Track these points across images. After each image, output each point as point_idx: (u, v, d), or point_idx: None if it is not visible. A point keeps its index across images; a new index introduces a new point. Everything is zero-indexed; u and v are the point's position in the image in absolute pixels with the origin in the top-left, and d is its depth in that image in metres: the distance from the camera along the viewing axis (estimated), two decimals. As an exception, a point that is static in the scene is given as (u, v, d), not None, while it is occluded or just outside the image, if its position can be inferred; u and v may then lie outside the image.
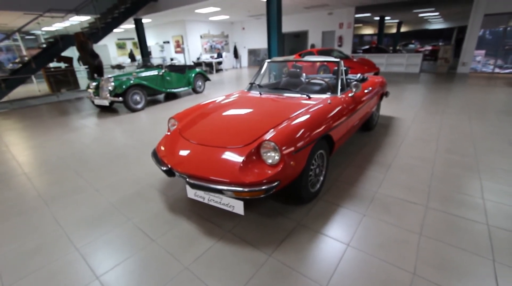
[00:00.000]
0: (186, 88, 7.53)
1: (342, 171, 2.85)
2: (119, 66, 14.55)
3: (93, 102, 6.24)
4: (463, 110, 5.02)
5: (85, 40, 7.21)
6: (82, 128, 5.05)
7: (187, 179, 1.90)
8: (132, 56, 16.70)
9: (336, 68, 2.97)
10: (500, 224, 1.94)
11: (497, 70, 9.82)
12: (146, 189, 2.66)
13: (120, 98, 5.76)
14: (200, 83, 8.03)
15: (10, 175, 3.19)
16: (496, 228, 1.91)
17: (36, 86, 10.67)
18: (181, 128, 2.43)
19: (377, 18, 15.70)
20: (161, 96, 7.90)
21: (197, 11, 10.91)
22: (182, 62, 14.67)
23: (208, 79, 8.29)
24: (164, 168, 2.08)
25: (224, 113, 2.54)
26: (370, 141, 3.69)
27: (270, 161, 1.85)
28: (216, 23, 15.54)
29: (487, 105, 5.30)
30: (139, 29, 11.66)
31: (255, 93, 3.09)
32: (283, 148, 1.82)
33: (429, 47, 17.12)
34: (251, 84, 3.35)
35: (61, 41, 8.21)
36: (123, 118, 5.65)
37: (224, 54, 15.33)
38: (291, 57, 3.39)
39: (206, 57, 14.91)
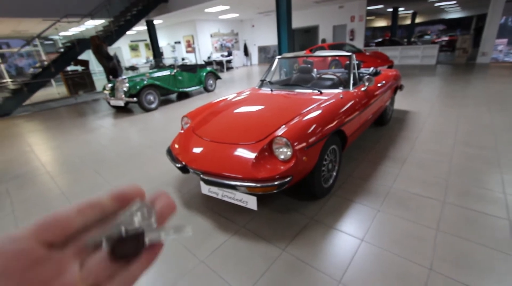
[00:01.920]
0: (197, 87, 7.63)
1: (355, 166, 2.82)
2: (133, 68, 14.91)
3: (109, 103, 6.44)
4: (483, 102, 4.82)
5: (100, 43, 7.43)
6: (99, 129, 5.24)
7: (201, 176, 1.95)
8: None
9: (348, 62, 2.93)
10: (523, 219, 1.87)
11: (521, 59, 9.33)
12: (161, 187, 2.74)
13: (135, 99, 5.92)
14: (211, 82, 8.11)
15: (35, 174, 3.36)
16: (519, 223, 1.85)
17: (56, 89, 11.12)
18: (194, 126, 2.48)
19: (390, 9, 15.25)
20: (173, 96, 8.05)
21: (206, 10, 10.99)
22: (193, 62, 14.86)
23: (219, 78, 8.36)
24: (179, 165, 2.13)
25: (236, 110, 2.57)
26: (384, 135, 3.62)
27: (282, 156, 1.86)
28: (226, 22, 15.59)
29: (509, 96, 5.06)
30: (151, 30, 11.88)
31: (266, 90, 3.10)
32: (295, 143, 1.83)
33: (446, 38, 16.48)
34: (262, 81, 3.36)
35: (77, 45, 8.51)
36: (137, 118, 5.80)
37: (234, 52, 15.37)
38: (302, 53, 3.37)
39: (216, 56, 15.00)
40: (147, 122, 5.39)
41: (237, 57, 15.77)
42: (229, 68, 14.86)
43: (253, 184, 1.75)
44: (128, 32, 13.58)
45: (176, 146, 2.40)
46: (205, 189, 2.07)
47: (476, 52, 10.23)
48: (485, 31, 9.51)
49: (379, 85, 3.23)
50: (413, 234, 1.82)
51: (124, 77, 6.29)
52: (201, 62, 14.67)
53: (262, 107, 2.53)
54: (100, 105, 7.89)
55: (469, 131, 3.52)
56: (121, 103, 6.07)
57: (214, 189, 2.02)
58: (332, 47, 9.11)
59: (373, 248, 1.73)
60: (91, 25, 10.77)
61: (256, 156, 1.88)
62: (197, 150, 2.16)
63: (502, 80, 6.59)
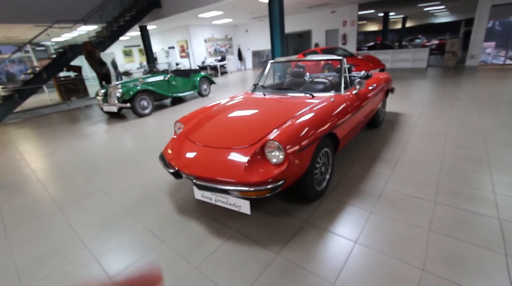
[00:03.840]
0: (192, 92, 7.63)
1: (348, 169, 2.84)
2: (126, 73, 14.85)
3: (102, 109, 6.39)
4: (472, 103, 4.92)
5: (93, 49, 7.40)
6: (92, 135, 5.18)
7: (194, 181, 1.94)
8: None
9: (338, 66, 2.97)
10: (512, 218, 1.91)
11: (508, 61, 9.57)
12: (155, 192, 2.72)
13: (128, 104, 5.88)
14: (205, 87, 8.12)
15: (26, 182, 3.30)
16: (508, 222, 1.88)
17: (48, 96, 10.99)
18: (187, 131, 2.47)
19: (381, 14, 15.54)
20: (168, 101, 8.03)
21: (200, 15, 11.04)
22: (187, 67, 14.87)
23: (213, 82, 8.37)
24: (172, 171, 2.12)
25: (229, 115, 2.57)
26: (377, 138, 3.66)
27: (274, 160, 1.87)
28: (220, 27, 15.68)
29: (497, 97, 5.18)
30: (145, 35, 11.88)
31: (259, 94, 3.12)
32: (287, 147, 1.83)
33: (436, 41, 16.83)
34: (255, 85, 3.38)
35: (69, 51, 8.45)
36: (131, 123, 5.76)
37: (228, 57, 15.44)
38: (294, 57, 3.40)
39: (210, 61, 15.05)
40: (140, 127, 5.36)
41: (231, 62, 15.85)
42: (223, 73, 14.91)
43: (246, 188, 1.75)
44: (121, 38, 13.57)
45: (169, 151, 2.39)
46: (198, 194, 2.06)
47: (465, 55, 10.46)
48: (473, 34, 9.75)
49: (370, 88, 3.28)
50: (405, 235, 1.83)
51: (117, 82, 6.26)
52: (195, 67, 14.70)
53: (255, 111, 2.54)
54: (93, 111, 7.83)
55: (459, 132, 3.58)
56: (114, 109, 6.03)
57: (207, 194, 2.01)
58: (325, 51, 9.23)
59: (367, 250, 1.73)
60: (84, 31, 10.73)
61: (248, 160, 1.88)
62: (189, 155, 2.15)
63: (490, 82, 6.74)
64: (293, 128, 2.00)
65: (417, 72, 9.53)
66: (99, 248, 1.98)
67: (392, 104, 5.35)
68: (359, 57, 8.99)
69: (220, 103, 3.07)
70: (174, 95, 7.13)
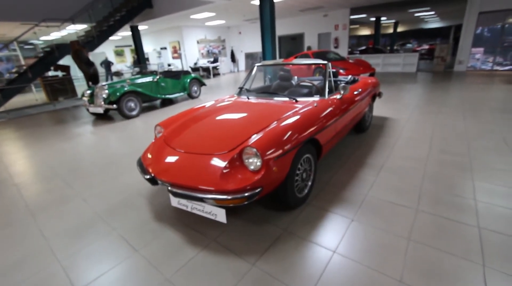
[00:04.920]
0: (181, 94, 7.53)
1: (332, 175, 2.81)
2: (117, 73, 14.63)
3: (88, 110, 6.25)
4: (458, 109, 4.97)
5: (80, 48, 7.25)
6: (76, 137, 5.05)
7: (169, 188, 1.87)
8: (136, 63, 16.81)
9: (323, 70, 2.94)
10: (491, 226, 1.89)
11: (496, 67, 9.77)
12: (133, 197, 2.63)
13: (114, 106, 5.76)
14: (195, 88, 8.04)
15: (0, 187, 3.17)
16: (487, 230, 1.86)
17: (35, 95, 10.73)
18: (166, 135, 2.40)
19: (373, 18, 15.71)
20: (157, 102, 7.91)
21: (192, 16, 10.97)
22: (179, 68, 14.76)
23: (204, 84, 8.29)
24: (147, 177, 2.05)
25: (210, 119, 2.51)
26: (363, 142, 3.65)
27: (252, 167, 1.81)
28: (213, 28, 15.62)
29: (482, 103, 5.25)
30: (136, 36, 11.74)
31: (243, 98, 3.07)
32: (265, 153, 1.78)
33: (426, 46, 17.11)
34: (240, 88, 3.33)
35: (57, 50, 8.27)
36: (118, 125, 5.64)
37: (220, 58, 15.38)
38: (280, 61, 3.36)
39: (203, 62, 14.96)
40: (127, 129, 5.24)
41: (224, 64, 15.79)
42: (215, 74, 14.83)
43: (221, 197, 1.69)
44: (113, 37, 13.38)
45: (149, 155, 2.31)
46: (175, 201, 1.99)
47: (454, 60, 10.64)
48: (461, 40, 9.93)
49: (356, 93, 3.26)
50: (384, 244, 1.80)
51: (103, 83, 6.13)
52: (187, 68, 14.59)
53: (237, 115, 2.49)
54: (80, 111, 7.65)
55: (444, 138, 3.60)
56: (100, 110, 5.90)
57: (184, 201, 1.94)
58: (317, 54, 9.25)
59: (345, 260, 1.69)
60: (73, 30, 10.54)
61: (225, 167, 1.82)
62: (166, 160, 2.08)
63: (477, 87, 6.85)
64: (272, 134, 1.95)
65: (407, 77, 9.64)
66: (69, 258, 1.89)
67: (380, 109, 5.37)
68: (350, 61, 9.04)
69: (204, 106, 3.01)
70: (163, 96, 7.03)
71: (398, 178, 2.66)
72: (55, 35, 11.63)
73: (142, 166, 2.23)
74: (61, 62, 9.34)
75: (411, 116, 4.70)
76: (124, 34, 14.72)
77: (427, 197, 2.30)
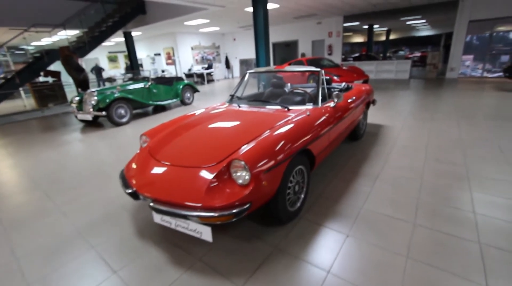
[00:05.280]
0: (174, 100, 7.41)
1: (326, 186, 2.70)
2: (110, 79, 14.46)
3: (76, 117, 6.07)
4: (452, 115, 4.95)
5: (70, 54, 7.11)
6: (63, 145, 4.86)
7: (151, 204, 1.73)
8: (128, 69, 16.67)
9: (317, 77, 2.87)
10: (492, 242, 1.80)
11: (486, 74, 9.93)
12: (116, 211, 2.48)
13: (104, 112, 5.60)
14: (188, 95, 7.93)
15: (-25, 199, 2.98)
16: (488, 246, 1.77)
17: (24, 101, 10.47)
18: (152, 146, 2.27)
19: (366, 26, 15.93)
20: (149, 109, 7.76)
21: (186, 23, 10.93)
22: (173, 74, 14.65)
23: (197, 91, 8.19)
24: (129, 191, 1.91)
25: (198, 129, 2.39)
26: (357, 151, 3.56)
27: (240, 181, 1.70)
28: (207, 35, 15.62)
29: (475, 109, 5.25)
30: (129, 41, 11.64)
31: (234, 106, 2.97)
32: (254, 166, 1.67)
33: (418, 54, 17.38)
34: (232, 96, 3.23)
35: (46, 55, 8.10)
36: (107, 132, 5.47)
37: (215, 65, 15.34)
38: (272, 68, 3.29)
39: (197, 69, 14.90)
40: (116, 137, 5.08)
41: (219, 70, 15.75)
42: (210, 81, 14.76)
43: (206, 214, 1.57)
44: (106, 43, 13.24)
45: (133, 166, 2.18)
46: (158, 218, 1.85)
47: (446, 67, 10.78)
48: (452, 48, 10.07)
49: (349, 100, 3.19)
50: (381, 263, 1.68)
51: (93, 89, 5.98)
52: (181, 74, 14.50)
53: (227, 124, 2.38)
54: (70, 118, 7.45)
55: (439, 145, 3.54)
56: (89, 117, 5.73)
57: (167, 218, 1.80)
58: (311, 61, 9.25)
59: (339, 282, 1.57)
60: (65, 35, 10.39)
61: (212, 180, 1.70)
62: (150, 173, 1.95)
63: (469, 94, 6.88)
64: (262, 145, 1.84)
65: (400, 83, 9.70)
66: (39, 282, 1.73)
67: (375, 116, 5.32)
68: (344, 67, 9.06)
69: (194, 114, 2.90)
70: (155, 103, 6.89)
71: (394, 189, 2.56)
72: (46, 41, 11.46)
73: (124, 179, 2.09)
74: (52, 67, 9.16)
75: (405, 123, 4.65)
76: (117, 40, 14.61)
77: (425, 210, 2.21)
